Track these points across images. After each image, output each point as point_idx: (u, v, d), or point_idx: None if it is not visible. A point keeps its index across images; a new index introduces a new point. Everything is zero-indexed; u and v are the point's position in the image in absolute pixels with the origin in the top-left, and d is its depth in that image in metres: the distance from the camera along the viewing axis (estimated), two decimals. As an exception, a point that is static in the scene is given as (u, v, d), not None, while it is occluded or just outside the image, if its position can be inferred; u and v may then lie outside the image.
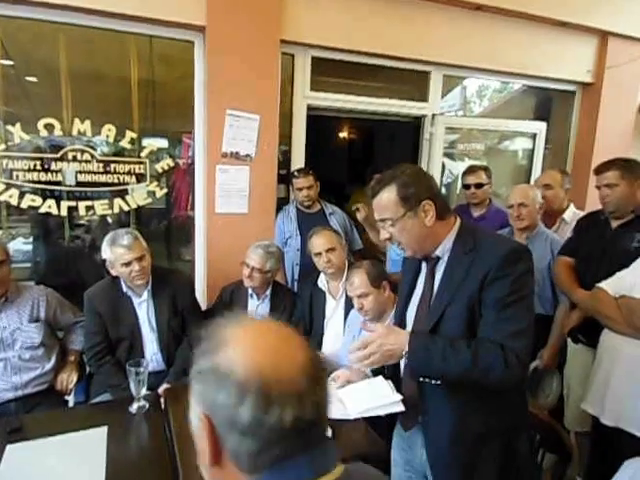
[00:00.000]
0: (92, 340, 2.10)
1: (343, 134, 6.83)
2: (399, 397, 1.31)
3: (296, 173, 2.86)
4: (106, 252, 2.06)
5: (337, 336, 2.36)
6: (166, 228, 3.22)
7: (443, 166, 3.49)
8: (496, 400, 1.22)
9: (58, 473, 1.38)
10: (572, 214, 2.70)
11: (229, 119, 2.70)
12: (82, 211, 2.67)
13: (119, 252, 2.02)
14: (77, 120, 2.59)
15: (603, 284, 1.82)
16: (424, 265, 1.37)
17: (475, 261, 1.20)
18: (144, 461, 1.52)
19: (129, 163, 2.74)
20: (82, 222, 2.93)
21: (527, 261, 1.19)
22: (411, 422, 1.35)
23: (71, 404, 2.21)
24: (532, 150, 3.73)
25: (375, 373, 1.48)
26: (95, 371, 2.14)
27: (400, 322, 1.41)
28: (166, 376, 2.10)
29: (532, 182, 3.61)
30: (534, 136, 3.64)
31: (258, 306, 2.45)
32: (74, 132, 2.59)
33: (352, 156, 6.91)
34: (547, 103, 4.03)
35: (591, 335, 1.97)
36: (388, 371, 1.46)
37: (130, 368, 1.68)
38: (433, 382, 1.22)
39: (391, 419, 1.51)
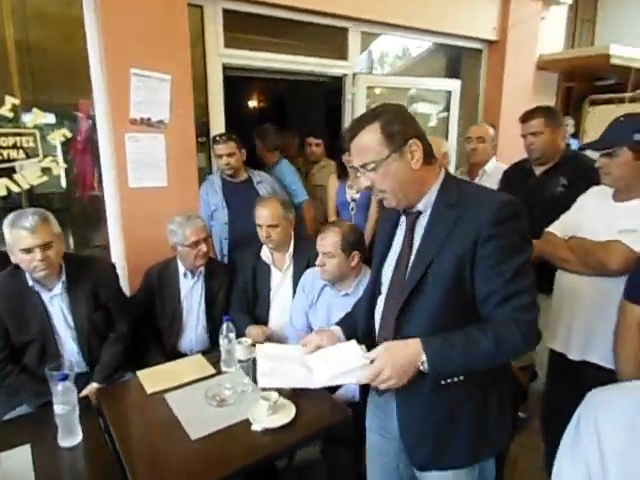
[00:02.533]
0: None
1: (252, 101, 6.51)
2: (367, 360, 1.21)
3: (217, 138, 2.61)
4: (6, 234, 1.69)
5: (284, 309, 2.23)
6: (68, 211, 2.82)
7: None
8: None
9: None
10: (493, 166, 2.81)
11: (134, 80, 2.36)
12: (-42, 196, 2.21)
13: (19, 235, 1.67)
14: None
15: (551, 228, 1.88)
16: (403, 220, 1.26)
17: (461, 217, 1.10)
18: (84, 471, 1.33)
19: (14, 135, 2.30)
20: None
21: (521, 215, 1.10)
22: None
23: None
24: (448, 107, 3.82)
25: (348, 338, 1.39)
26: None
27: (375, 281, 1.31)
28: (89, 378, 1.83)
29: (450, 137, 3.73)
30: (449, 93, 3.72)
31: (193, 286, 2.24)
32: None
33: (262, 123, 6.59)
34: (457, 61, 4.14)
35: (543, 282, 2.04)
36: (361, 337, 1.36)
37: (51, 373, 1.42)
38: (456, 380, 1.12)
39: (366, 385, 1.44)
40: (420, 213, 1.19)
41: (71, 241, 2.95)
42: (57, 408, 1.34)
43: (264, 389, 1.44)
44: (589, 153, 2.10)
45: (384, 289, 1.26)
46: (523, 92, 4.00)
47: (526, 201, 2.21)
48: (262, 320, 2.26)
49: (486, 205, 1.09)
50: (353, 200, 2.93)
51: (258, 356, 1.39)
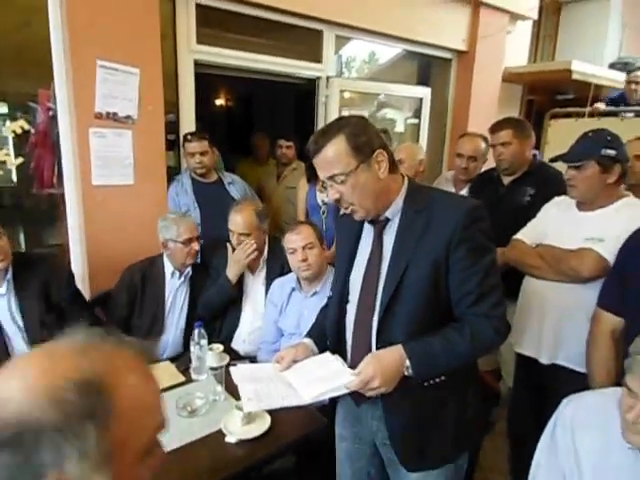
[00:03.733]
0: None
1: (220, 100, 6.37)
2: (354, 374, 1.20)
3: (189, 137, 2.54)
4: None
5: (256, 314, 2.19)
6: (19, 208, 2.66)
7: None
8: None
9: None
10: None
11: (101, 72, 2.24)
12: None
13: None
14: None
15: (519, 235, 1.93)
16: (368, 228, 1.26)
17: (431, 222, 1.13)
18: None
19: (-34, 126, 2.15)
20: None
21: (486, 217, 1.15)
22: (364, 397, 1.26)
23: None
24: (417, 114, 3.88)
25: (322, 351, 1.36)
26: None
27: (342, 290, 1.30)
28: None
29: (422, 140, 3.79)
30: (420, 100, 3.78)
31: (179, 287, 2.19)
32: None
33: (231, 124, 6.47)
34: (426, 70, 4.22)
35: (509, 288, 2.09)
36: (331, 345, 1.35)
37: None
38: (438, 380, 1.15)
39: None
40: (388, 220, 1.20)
41: (22, 240, 2.79)
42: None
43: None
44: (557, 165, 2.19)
45: (353, 297, 1.26)
46: (490, 103, 4.12)
47: (494, 210, 2.25)
48: (233, 323, 2.21)
49: (455, 210, 1.13)
50: (324, 203, 2.91)
51: (237, 380, 1.34)
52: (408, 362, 1.10)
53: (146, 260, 2.21)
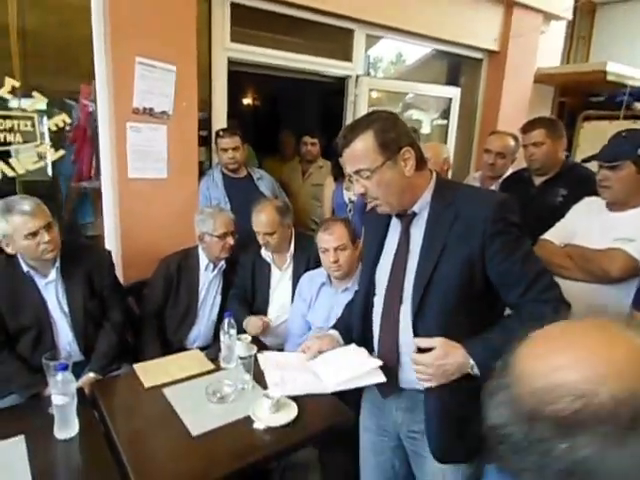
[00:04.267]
0: None
1: (247, 99, 6.46)
2: (379, 362, 1.22)
3: (221, 132, 2.60)
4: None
5: (283, 307, 2.23)
6: (54, 200, 2.75)
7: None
8: None
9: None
10: None
11: (140, 69, 2.32)
12: (-49, 177, 2.14)
13: (19, 221, 1.63)
14: None
15: (547, 235, 1.90)
16: (395, 222, 1.27)
17: (460, 215, 1.13)
18: (81, 463, 1.30)
19: (12, 118, 2.24)
20: None
21: (516, 210, 1.15)
22: (391, 389, 1.28)
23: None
24: (446, 115, 3.85)
25: (347, 344, 1.38)
26: None
27: (369, 283, 1.32)
28: (84, 367, 1.79)
29: (448, 144, 3.76)
30: (449, 101, 3.75)
31: (212, 279, 2.24)
32: None
33: (258, 122, 6.54)
34: (456, 70, 4.18)
35: None
36: (357, 338, 1.36)
37: (48, 362, 1.38)
38: None
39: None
40: (415, 214, 1.21)
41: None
42: (56, 399, 1.31)
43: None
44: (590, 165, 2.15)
45: (380, 290, 1.27)
46: (521, 104, 4.05)
47: (525, 210, 2.24)
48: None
49: (484, 204, 1.13)
50: (351, 202, 2.93)
51: (264, 366, 1.37)
52: (472, 361, 1.10)
53: (182, 252, 2.27)
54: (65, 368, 1.31)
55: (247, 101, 6.43)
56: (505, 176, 2.60)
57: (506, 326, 1.12)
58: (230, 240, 2.17)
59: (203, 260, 2.23)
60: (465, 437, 1.20)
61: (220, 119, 2.80)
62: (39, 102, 2.30)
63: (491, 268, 1.12)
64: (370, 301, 1.31)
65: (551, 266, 1.86)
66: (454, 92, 3.75)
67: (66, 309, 1.82)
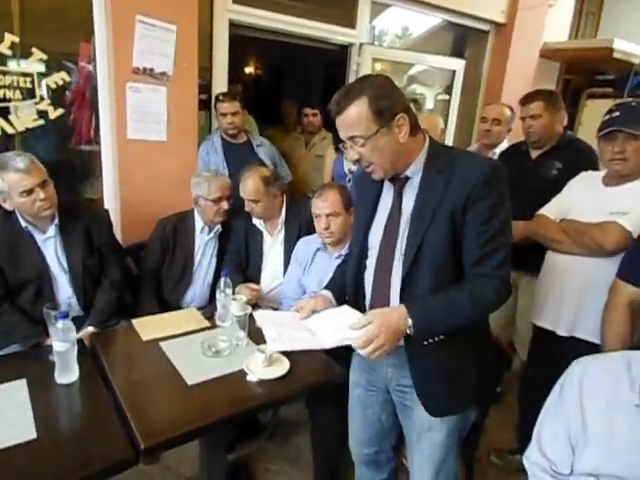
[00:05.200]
0: None
1: (250, 69, 6.35)
2: (357, 327, 1.26)
3: (221, 97, 2.58)
4: None
5: (275, 273, 2.27)
6: (59, 161, 2.75)
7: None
8: None
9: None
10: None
11: (140, 27, 2.29)
12: (-50, 133, 2.14)
13: (14, 178, 1.64)
14: None
15: (543, 210, 1.92)
16: (387, 186, 1.29)
17: (452, 180, 1.14)
18: (81, 407, 1.36)
19: (11, 74, 2.23)
20: None
21: (505, 178, 1.16)
22: None
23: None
24: (449, 88, 3.82)
25: (339, 305, 1.43)
26: None
27: (361, 246, 1.35)
28: (84, 322, 1.84)
29: (451, 116, 3.74)
30: (453, 73, 3.71)
31: (207, 242, 2.27)
32: None
33: (260, 92, 6.45)
34: (461, 42, 4.12)
35: (531, 263, 2.09)
36: (350, 299, 1.40)
37: (49, 312, 1.43)
38: (437, 339, 1.18)
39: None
40: (408, 178, 1.22)
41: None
42: (56, 345, 1.36)
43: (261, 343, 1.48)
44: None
45: (372, 253, 1.30)
46: (525, 78, 4.01)
47: (520, 183, 2.28)
48: (253, 282, 2.26)
49: (476, 168, 1.14)
50: (351, 172, 2.94)
51: (261, 323, 1.41)
52: (410, 320, 1.14)
53: (178, 214, 2.30)
54: (65, 316, 1.35)
55: (249, 69, 6.33)
56: (502, 149, 2.61)
57: (449, 295, 1.16)
58: (225, 205, 2.19)
59: (199, 223, 2.26)
60: (454, 393, 1.27)
61: (220, 83, 2.79)
62: (38, 57, 2.27)
63: (465, 230, 1.14)
64: (362, 263, 1.34)
65: (546, 241, 1.91)
66: (458, 64, 3.72)
67: (65, 265, 1.86)
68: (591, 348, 1.69)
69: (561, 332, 1.84)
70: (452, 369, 1.26)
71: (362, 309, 1.35)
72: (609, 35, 4.57)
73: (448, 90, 3.92)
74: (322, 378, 1.56)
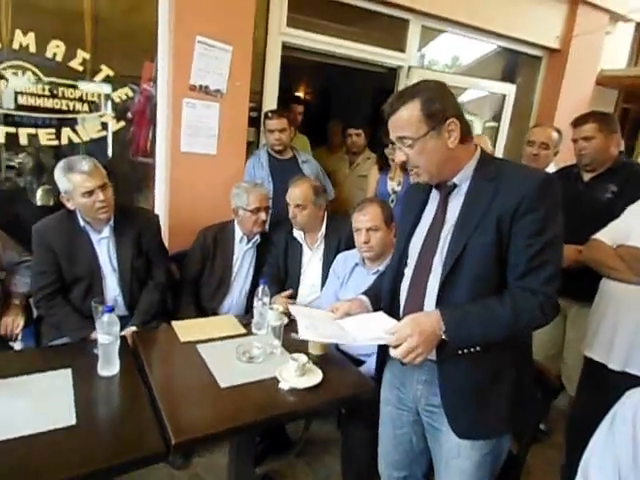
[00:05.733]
0: (43, 280, 1.85)
1: (299, 93, 6.55)
2: (391, 332, 1.24)
3: (269, 114, 2.67)
4: (61, 181, 1.80)
5: (313, 287, 2.28)
6: (116, 171, 2.92)
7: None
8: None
9: (18, 414, 1.20)
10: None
11: (199, 47, 2.44)
12: (23, 139, 2.33)
13: (78, 180, 1.77)
14: (19, 32, 2.21)
15: (599, 235, 1.84)
16: (434, 195, 1.28)
17: (500, 190, 1.11)
18: (119, 399, 1.40)
19: (80, 88, 2.41)
20: (13, 164, 2.59)
21: (558, 191, 1.12)
22: None
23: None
24: (498, 118, 3.77)
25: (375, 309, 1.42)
26: (45, 313, 1.90)
27: (401, 254, 1.33)
28: (127, 321, 1.91)
29: (499, 141, 3.68)
30: (502, 100, 3.67)
31: (246, 251, 2.32)
32: (15, 45, 2.22)
33: (307, 113, 6.60)
34: (512, 68, 4.08)
35: (584, 290, 1.99)
36: (385, 308, 1.39)
37: (97, 305, 1.49)
38: (472, 350, 1.14)
39: (383, 357, 1.46)
40: (455, 186, 1.21)
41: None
42: (101, 338, 1.42)
43: (294, 353, 1.49)
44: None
45: (411, 262, 1.28)
46: (579, 106, 3.89)
47: (572, 207, 2.18)
48: (291, 297, 2.29)
49: (528, 179, 1.11)
50: (394, 192, 2.94)
51: (295, 313, 1.43)
52: (444, 326, 1.10)
53: (219, 224, 2.37)
54: (111, 310, 1.41)
55: (299, 94, 6.54)
56: (552, 172, 2.52)
57: (488, 305, 1.11)
58: (262, 215, 2.23)
59: (238, 233, 2.31)
60: (485, 415, 1.21)
61: (271, 101, 2.89)
62: (106, 74, 2.46)
63: (511, 242, 1.10)
64: (401, 271, 1.32)
65: (602, 268, 1.82)
66: (509, 89, 3.67)
67: (115, 265, 1.96)
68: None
69: (613, 366, 1.72)
70: (484, 388, 1.20)
71: (397, 318, 1.32)
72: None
73: (496, 118, 3.87)
74: (354, 391, 1.53)
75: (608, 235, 1.83)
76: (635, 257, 1.67)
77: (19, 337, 1.90)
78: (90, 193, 1.77)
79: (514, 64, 4.02)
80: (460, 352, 1.14)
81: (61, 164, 1.81)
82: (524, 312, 1.10)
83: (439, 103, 1.12)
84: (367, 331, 1.26)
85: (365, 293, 1.49)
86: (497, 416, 1.21)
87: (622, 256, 1.73)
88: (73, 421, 1.20)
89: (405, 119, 1.13)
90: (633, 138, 4.64)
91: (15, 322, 1.89)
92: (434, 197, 1.28)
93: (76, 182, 1.77)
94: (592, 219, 1.94)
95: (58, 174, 1.80)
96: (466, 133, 1.17)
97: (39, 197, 2.63)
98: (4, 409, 1.23)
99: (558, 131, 2.56)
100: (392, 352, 1.14)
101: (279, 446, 2.24)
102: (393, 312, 1.34)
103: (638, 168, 2.10)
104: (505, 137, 3.84)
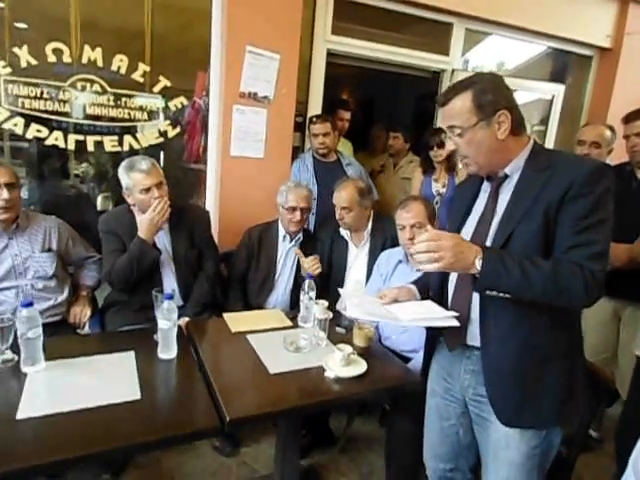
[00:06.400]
0: (113, 257, 1.99)
1: (344, 94, 6.64)
2: (453, 313, 1.27)
3: (314, 119, 2.76)
4: (123, 178, 1.97)
5: (358, 283, 2.32)
6: (170, 175, 3.09)
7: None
8: (562, 318, 1.18)
9: (91, 388, 1.32)
10: None
11: (249, 56, 2.57)
12: (90, 146, 2.54)
13: (137, 177, 1.92)
14: (87, 47, 2.43)
15: None
16: (485, 186, 1.30)
17: (552, 178, 1.12)
18: (177, 379, 1.50)
19: (141, 98, 2.60)
20: (78, 172, 2.81)
21: (610, 179, 1.10)
22: (457, 340, 1.30)
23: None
24: (546, 121, 3.69)
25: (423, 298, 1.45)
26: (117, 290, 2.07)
27: None
28: (182, 312, 2.03)
29: (547, 141, 3.60)
30: (550, 102, 3.60)
31: (289, 249, 2.41)
32: (84, 60, 2.43)
33: (352, 118, 6.67)
34: (560, 71, 3.98)
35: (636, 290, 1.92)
36: (433, 295, 1.41)
37: (157, 294, 1.61)
38: (502, 295, 1.11)
39: (430, 350, 1.49)
40: (507, 177, 1.22)
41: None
42: (161, 323, 1.53)
43: (340, 343, 1.54)
44: None
45: None
46: (633, 105, 3.68)
47: (625, 205, 2.12)
48: (335, 292, 2.35)
49: (581, 166, 1.11)
50: (439, 194, 2.94)
51: (344, 296, 1.49)
52: (480, 255, 1.08)
53: (264, 224, 2.47)
54: (170, 298, 1.52)
55: (344, 95, 6.63)
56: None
57: (534, 262, 1.07)
58: (297, 216, 2.29)
59: (281, 232, 2.40)
60: (531, 404, 1.20)
61: (316, 106, 2.98)
62: (164, 85, 2.63)
63: (558, 224, 1.10)
64: None
65: None
66: (558, 89, 3.59)
67: (171, 254, 2.11)
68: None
69: None
70: (530, 375, 1.19)
71: (445, 308, 1.34)
72: None
73: (544, 122, 3.79)
74: (399, 382, 1.56)
75: None
76: None
77: (86, 325, 2.06)
78: (147, 190, 1.92)
79: (563, 64, 3.93)
80: (488, 292, 1.11)
81: (124, 163, 1.98)
82: (565, 280, 1.06)
83: (491, 95, 1.14)
84: (418, 314, 1.30)
85: (414, 282, 1.52)
86: (544, 407, 1.20)
87: None
88: (138, 396, 1.30)
89: (457, 109, 1.16)
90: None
91: (83, 312, 2.05)
92: (485, 189, 1.30)
93: (136, 180, 1.93)
94: (647, 217, 1.89)
95: (121, 172, 1.97)
96: (518, 125, 1.18)
97: (99, 203, 2.84)
98: (79, 383, 1.35)
99: (611, 128, 2.47)
100: (416, 245, 1.11)
101: (323, 441, 2.28)
102: (442, 302, 1.36)
103: None
104: (553, 139, 3.75)
